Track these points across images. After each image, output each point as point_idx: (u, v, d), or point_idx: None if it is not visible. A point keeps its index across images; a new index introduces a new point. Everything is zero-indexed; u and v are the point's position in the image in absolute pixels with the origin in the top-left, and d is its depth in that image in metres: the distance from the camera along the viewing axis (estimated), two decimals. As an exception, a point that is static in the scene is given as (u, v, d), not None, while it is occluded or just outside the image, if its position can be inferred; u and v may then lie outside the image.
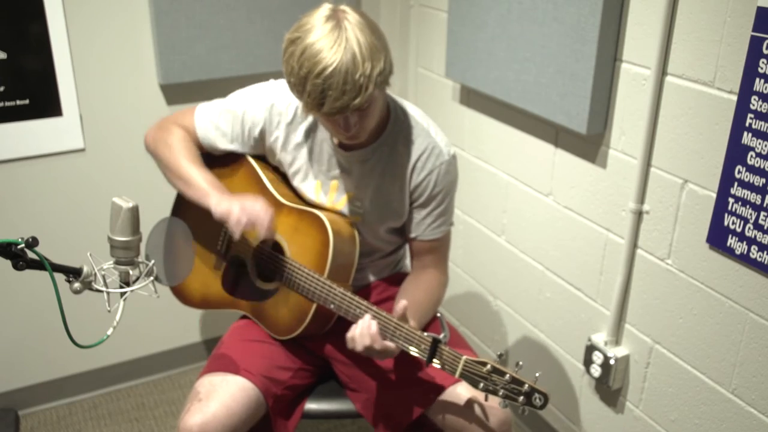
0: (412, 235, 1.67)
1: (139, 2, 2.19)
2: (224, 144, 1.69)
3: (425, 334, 1.43)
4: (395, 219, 1.65)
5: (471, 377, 1.39)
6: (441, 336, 1.42)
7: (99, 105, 2.24)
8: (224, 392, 1.53)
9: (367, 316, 1.46)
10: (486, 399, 1.41)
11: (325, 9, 1.40)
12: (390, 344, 1.45)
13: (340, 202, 1.66)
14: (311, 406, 1.71)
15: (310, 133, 1.63)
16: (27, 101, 2.12)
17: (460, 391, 1.55)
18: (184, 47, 2.23)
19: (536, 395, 1.35)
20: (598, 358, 1.90)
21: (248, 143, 1.68)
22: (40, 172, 2.22)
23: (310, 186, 1.67)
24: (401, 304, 1.45)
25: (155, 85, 2.30)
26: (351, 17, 1.38)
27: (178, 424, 1.50)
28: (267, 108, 1.62)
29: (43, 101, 2.14)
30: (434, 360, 1.43)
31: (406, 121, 1.61)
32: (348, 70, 1.33)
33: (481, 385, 1.38)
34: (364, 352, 1.45)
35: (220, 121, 1.67)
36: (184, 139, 1.68)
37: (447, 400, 1.56)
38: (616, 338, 1.88)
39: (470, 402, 1.53)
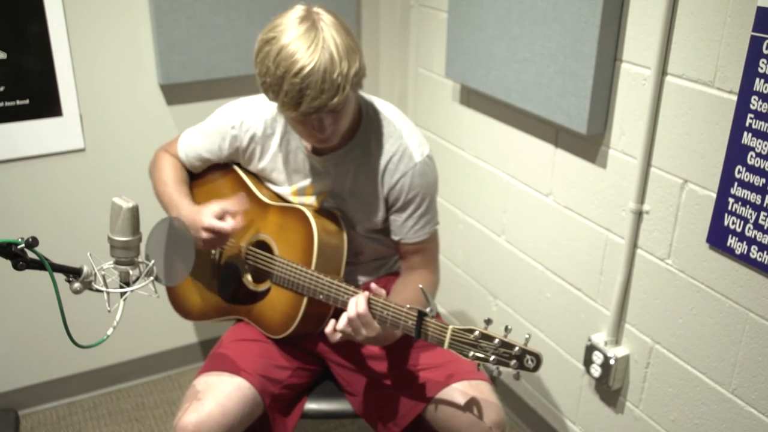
0: (396, 238, 1.67)
1: (139, 2, 2.19)
2: (204, 162, 1.76)
3: (409, 307, 1.43)
4: (371, 221, 1.66)
5: (460, 346, 1.38)
6: (427, 310, 1.42)
7: (99, 105, 2.24)
8: (220, 391, 1.53)
9: (361, 295, 1.46)
10: (478, 368, 1.41)
11: (299, 10, 1.40)
12: (375, 323, 1.45)
13: (315, 203, 1.67)
14: (310, 406, 1.71)
15: (283, 142, 1.64)
16: (27, 101, 2.12)
17: (455, 393, 1.55)
18: (184, 47, 2.23)
19: (528, 357, 1.34)
20: (598, 358, 1.90)
21: (224, 156, 1.72)
22: (40, 172, 2.22)
23: (285, 192, 1.69)
24: (379, 289, 1.47)
25: (155, 85, 2.30)
26: (326, 18, 1.39)
27: (174, 424, 1.50)
28: (237, 126, 1.65)
29: (43, 101, 2.14)
30: (421, 333, 1.42)
31: (378, 121, 1.61)
32: (326, 69, 1.34)
33: (471, 353, 1.36)
34: (348, 327, 1.45)
35: (197, 144, 1.74)
36: (170, 165, 1.77)
37: (442, 402, 1.56)
38: (616, 338, 1.88)
39: (465, 403, 1.53)
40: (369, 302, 1.45)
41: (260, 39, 1.41)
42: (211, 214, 1.57)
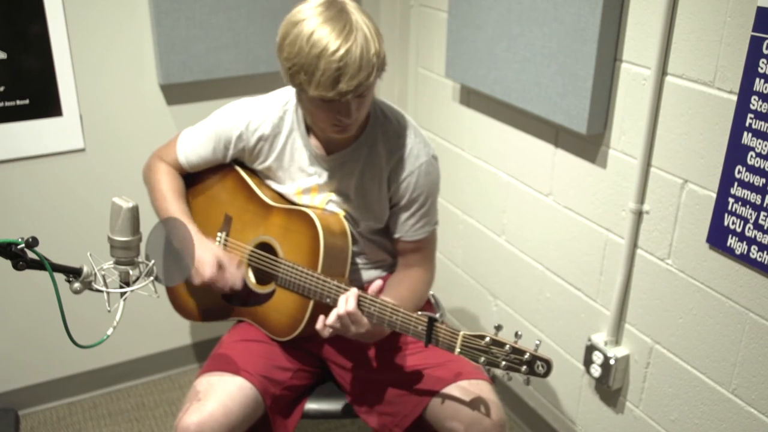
0: (396, 235, 1.68)
1: (139, 2, 2.19)
2: (206, 164, 1.74)
3: (420, 313, 1.44)
4: (375, 220, 1.66)
5: (471, 352, 1.38)
6: (437, 315, 1.42)
7: (99, 105, 2.24)
8: (222, 392, 1.53)
9: (350, 292, 1.47)
10: (489, 373, 1.41)
11: None
12: (364, 320, 1.47)
13: (321, 203, 1.67)
14: (311, 406, 1.71)
15: (289, 141, 1.64)
16: (27, 101, 2.12)
17: (455, 392, 1.55)
18: (184, 47, 2.23)
19: (538, 363, 1.34)
20: (598, 358, 1.90)
21: (229, 157, 1.72)
22: (40, 172, 2.22)
23: (290, 192, 1.69)
24: (376, 284, 1.48)
25: (155, 85, 2.30)
26: (351, 3, 1.42)
27: (175, 424, 1.50)
28: (243, 127, 1.65)
29: (43, 101, 2.14)
30: (432, 339, 1.43)
31: (386, 121, 1.61)
32: (363, 48, 1.36)
33: (482, 359, 1.37)
34: (337, 323, 1.47)
35: (199, 145, 1.72)
36: (166, 174, 1.75)
37: (442, 402, 1.56)
38: (616, 338, 1.88)
39: (465, 403, 1.53)
40: (359, 299, 1.46)
41: (286, 23, 1.42)
42: (211, 266, 1.58)
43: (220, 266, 1.60)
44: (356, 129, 1.54)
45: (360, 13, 1.40)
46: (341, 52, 1.34)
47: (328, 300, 1.54)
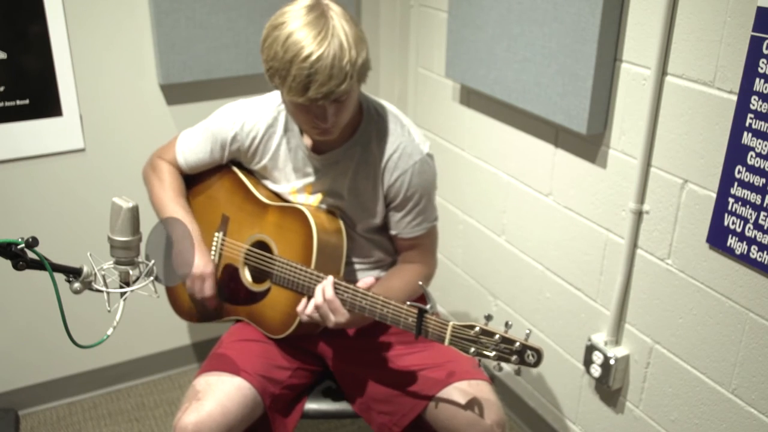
0: (393, 232, 1.68)
1: (139, 2, 2.19)
2: (204, 165, 1.75)
3: (409, 304, 1.43)
4: (371, 218, 1.66)
5: (460, 343, 1.38)
6: (427, 307, 1.42)
7: (99, 105, 2.24)
8: (220, 391, 1.53)
9: (327, 281, 1.48)
10: (479, 364, 1.41)
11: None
12: (343, 309, 1.48)
13: (314, 202, 1.67)
14: (311, 406, 1.71)
15: (283, 141, 1.65)
16: (27, 101, 2.12)
17: (455, 392, 1.55)
18: (184, 47, 2.23)
19: (528, 352, 1.34)
20: (598, 358, 1.90)
21: (225, 158, 1.73)
22: (40, 172, 2.22)
23: (284, 191, 1.69)
24: (367, 280, 1.48)
25: (155, 85, 2.30)
26: (334, 7, 1.41)
27: (174, 424, 1.50)
28: (238, 128, 1.66)
29: (43, 101, 2.14)
30: (422, 331, 1.43)
31: (380, 120, 1.61)
32: (335, 56, 1.35)
33: (472, 349, 1.37)
34: (315, 312, 1.48)
35: (197, 147, 1.73)
36: (168, 173, 1.77)
37: (442, 401, 1.56)
38: (616, 338, 1.88)
39: (465, 402, 1.53)
40: (335, 288, 1.47)
41: (268, 25, 1.42)
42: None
43: (201, 277, 1.65)
44: (340, 131, 1.54)
45: (341, 18, 1.39)
46: (312, 58, 1.34)
47: None
